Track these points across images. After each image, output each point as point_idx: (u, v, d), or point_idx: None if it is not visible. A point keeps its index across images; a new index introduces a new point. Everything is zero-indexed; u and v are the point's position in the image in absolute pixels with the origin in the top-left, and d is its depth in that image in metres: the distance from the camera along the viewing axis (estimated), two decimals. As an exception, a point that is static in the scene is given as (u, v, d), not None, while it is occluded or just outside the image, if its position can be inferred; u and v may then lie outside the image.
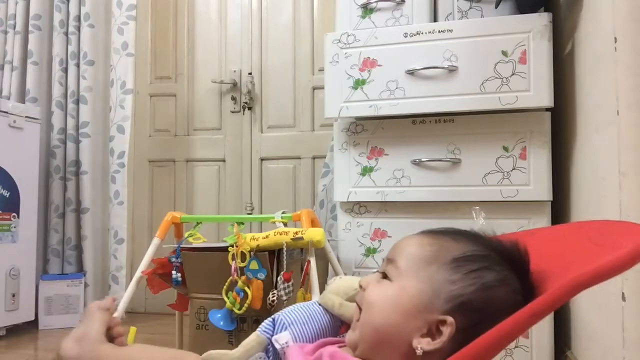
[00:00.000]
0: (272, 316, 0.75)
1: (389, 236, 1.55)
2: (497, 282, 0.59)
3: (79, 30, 2.42)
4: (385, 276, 0.64)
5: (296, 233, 1.35)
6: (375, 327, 0.61)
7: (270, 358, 0.73)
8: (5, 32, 2.45)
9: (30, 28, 2.40)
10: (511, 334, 0.52)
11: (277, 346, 0.71)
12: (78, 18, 2.42)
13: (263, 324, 0.75)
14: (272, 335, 0.73)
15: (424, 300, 0.59)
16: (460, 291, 0.58)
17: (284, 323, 0.73)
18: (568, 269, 0.54)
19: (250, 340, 0.74)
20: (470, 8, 1.54)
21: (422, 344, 0.58)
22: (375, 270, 0.73)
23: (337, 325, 0.76)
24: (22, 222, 2.15)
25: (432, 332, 0.58)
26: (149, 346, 0.74)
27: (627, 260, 0.49)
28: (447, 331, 0.57)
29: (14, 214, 2.11)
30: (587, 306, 1.22)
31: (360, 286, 0.67)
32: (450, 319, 0.57)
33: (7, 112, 2.09)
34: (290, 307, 0.77)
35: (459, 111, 1.46)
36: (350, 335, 0.66)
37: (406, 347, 0.59)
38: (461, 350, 0.53)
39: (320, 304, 0.77)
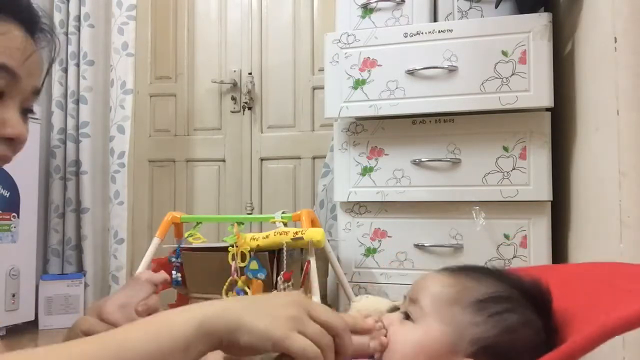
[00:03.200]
0: None
1: (389, 236, 1.55)
2: (520, 324, 0.58)
3: (79, 30, 2.42)
4: (407, 317, 0.63)
5: (296, 233, 1.35)
6: None
7: None
8: (5, 32, 2.45)
9: (30, 28, 2.39)
10: None
11: None
12: (78, 18, 2.42)
13: None
14: None
15: (448, 342, 0.58)
16: (483, 334, 0.58)
17: None
18: (596, 311, 0.53)
19: None
20: (470, 8, 1.54)
21: None
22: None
23: None
24: (22, 222, 2.15)
25: None
26: None
27: None
28: None
29: (14, 214, 2.11)
30: (587, 306, 1.22)
31: (383, 324, 0.65)
32: None
33: (7, 112, 2.09)
34: None
35: (459, 111, 1.46)
36: None
37: None
38: None
39: None
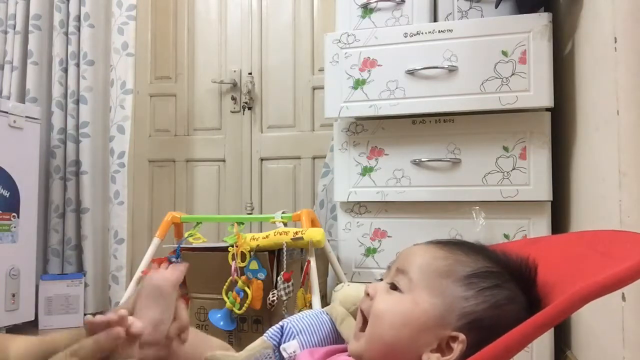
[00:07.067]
0: (280, 323, 0.75)
1: (389, 236, 1.55)
2: (507, 300, 0.59)
3: (79, 30, 2.42)
4: (394, 287, 0.63)
5: (296, 233, 1.35)
6: (384, 341, 0.59)
7: None
8: (5, 32, 2.45)
9: (30, 28, 2.39)
10: (518, 344, 0.51)
11: (285, 355, 0.70)
12: (78, 18, 2.42)
13: (270, 330, 0.74)
14: (278, 342, 0.72)
15: (437, 315, 0.58)
16: (472, 308, 0.58)
17: (292, 331, 0.72)
18: (575, 279, 0.54)
19: (256, 345, 0.73)
20: (470, 8, 1.54)
21: None
22: (379, 276, 0.71)
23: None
24: (22, 222, 2.15)
25: (442, 347, 0.58)
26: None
27: (637, 271, 0.48)
28: (458, 348, 0.56)
29: (14, 214, 2.11)
30: (587, 306, 1.22)
31: (367, 294, 0.64)
32: (462, 336, 0.57)
33: (7, 112, 2.08)
34: (299, 314, 0.76)
35: (459, 111, 1.46)
36: (353, 345, 0.64)
37: None
38: None
39: (327, 314, 0.77)
